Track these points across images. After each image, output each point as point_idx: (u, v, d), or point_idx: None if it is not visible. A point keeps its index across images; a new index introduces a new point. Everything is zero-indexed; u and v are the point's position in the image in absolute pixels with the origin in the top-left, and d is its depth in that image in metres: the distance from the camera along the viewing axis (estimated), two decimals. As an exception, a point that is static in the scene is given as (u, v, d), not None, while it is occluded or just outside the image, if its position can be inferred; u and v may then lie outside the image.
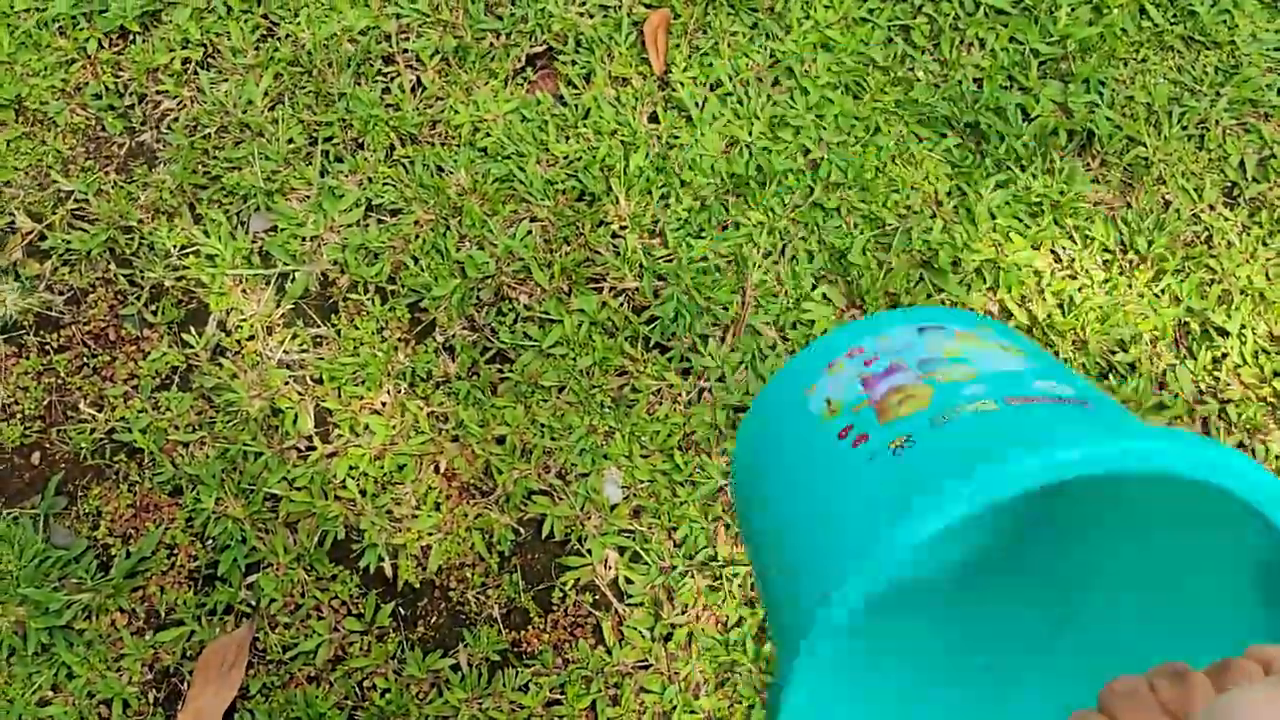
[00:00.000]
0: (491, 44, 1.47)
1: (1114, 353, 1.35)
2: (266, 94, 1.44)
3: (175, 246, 1.38)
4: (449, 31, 1.47)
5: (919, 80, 1.45)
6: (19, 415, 1.31)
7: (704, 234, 1.39)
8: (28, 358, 1.33)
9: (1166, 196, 1.42)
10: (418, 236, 1.39)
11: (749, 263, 1.37)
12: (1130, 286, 1.38)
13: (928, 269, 1.38)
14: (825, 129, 1.43)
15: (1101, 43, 1.46)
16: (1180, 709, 0.44)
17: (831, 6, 1.48)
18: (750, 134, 1.43)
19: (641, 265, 1.37)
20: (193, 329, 1.35)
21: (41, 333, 1.34)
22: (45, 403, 1.32)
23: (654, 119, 1.45)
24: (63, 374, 1.33)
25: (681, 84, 1.45)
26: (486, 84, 1.45)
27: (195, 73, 1.45)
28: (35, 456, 1.31)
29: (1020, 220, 1.39)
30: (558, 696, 1.24)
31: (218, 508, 1.28)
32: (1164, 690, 0.45)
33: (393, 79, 1.46)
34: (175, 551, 1.27)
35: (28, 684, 1.22)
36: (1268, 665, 0.45)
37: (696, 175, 1.41)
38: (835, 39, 1.46)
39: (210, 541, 1.28)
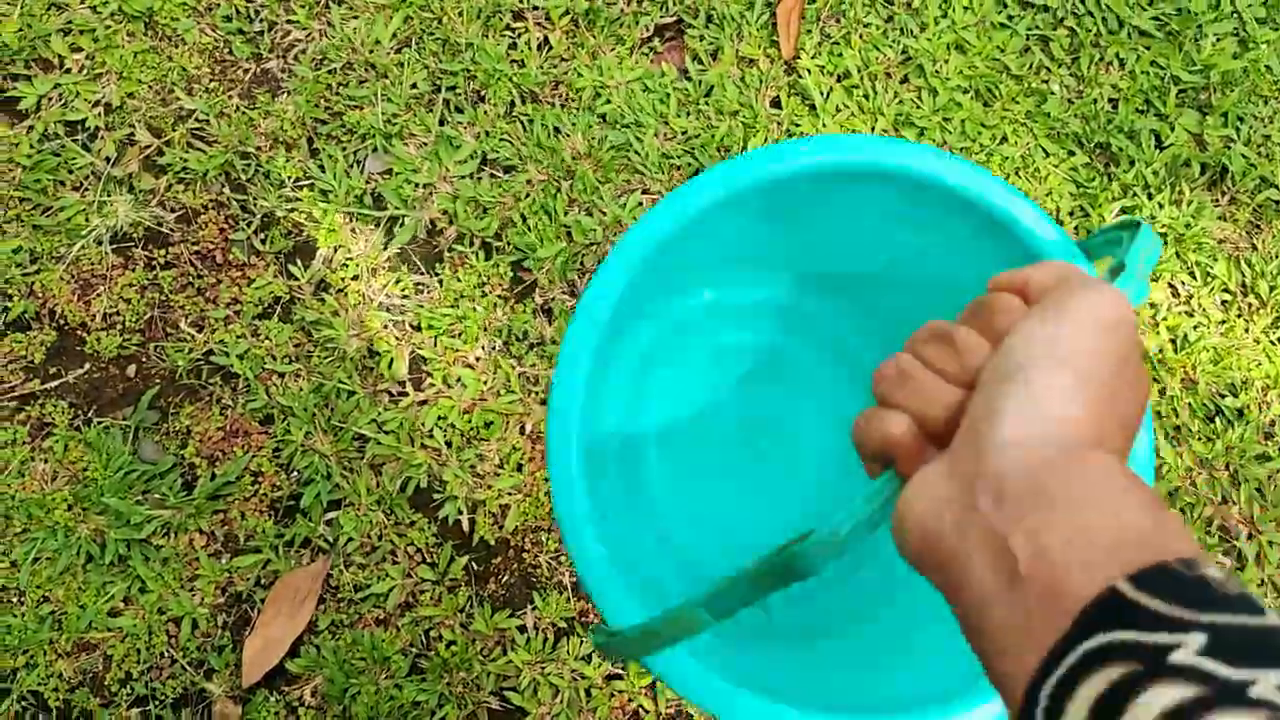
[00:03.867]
0: (622, 10, 1.45)
1: (1223, 396, 1.31)
2: (395, 36, 1.43)
3: (290, 178, 1.38)
4: (581, -7, 1.45)
5: (1053, 93, 1.42)
6: (119, 326, 1.32)
7: (816, 226, 1.37)
8: (134, 270, 1.34)
9: (1295, 242, 1.38)
10: (528, 195, 1.38)
11: (859, 260, 1.34)
12: (1247, 331, 1.34)
13: (1041, 287, 1.34)
14: (950, 133, 1.40)
15: (1245, 77, 1.42)
16: (956, 364, 0.42)
17: (970, 8, 1.45)
18: (873, 130, 1.41)
19: (750, 250, 1.35)
20: (299, 261, 1.36)
21: (150, 247, 1.35)
22: (146, 317, 1.33)
23: (776, 104, 1.43)
24: (167, 290, 1.34)
25: (809, 71, 1.42)
26: (613, 50, 1.44)
27: (327, 6, 1.45)
28: (131, 369, 1.31)
29: (1142, 248, 1.36)
30: (619, 670, 1.23)
31: (306, 441, 1.28)
32: (933, 355, 0.43)
33: (520, 35, 1.45)
34: (260, 480, 1.28)
35: (101, 593, 1.23)
36: (1021, 290, 0.43)
37: (815, 165, 1.38)
38: (971, 41, 1.43)
39: (295, 474, 1.28)
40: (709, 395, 0.97)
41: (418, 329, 1.33)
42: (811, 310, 0.98)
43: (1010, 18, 1.45)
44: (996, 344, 0.41)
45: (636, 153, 1.39)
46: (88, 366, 1.31)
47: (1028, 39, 1.44)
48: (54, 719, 1.20)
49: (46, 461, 1.26)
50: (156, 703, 1.21)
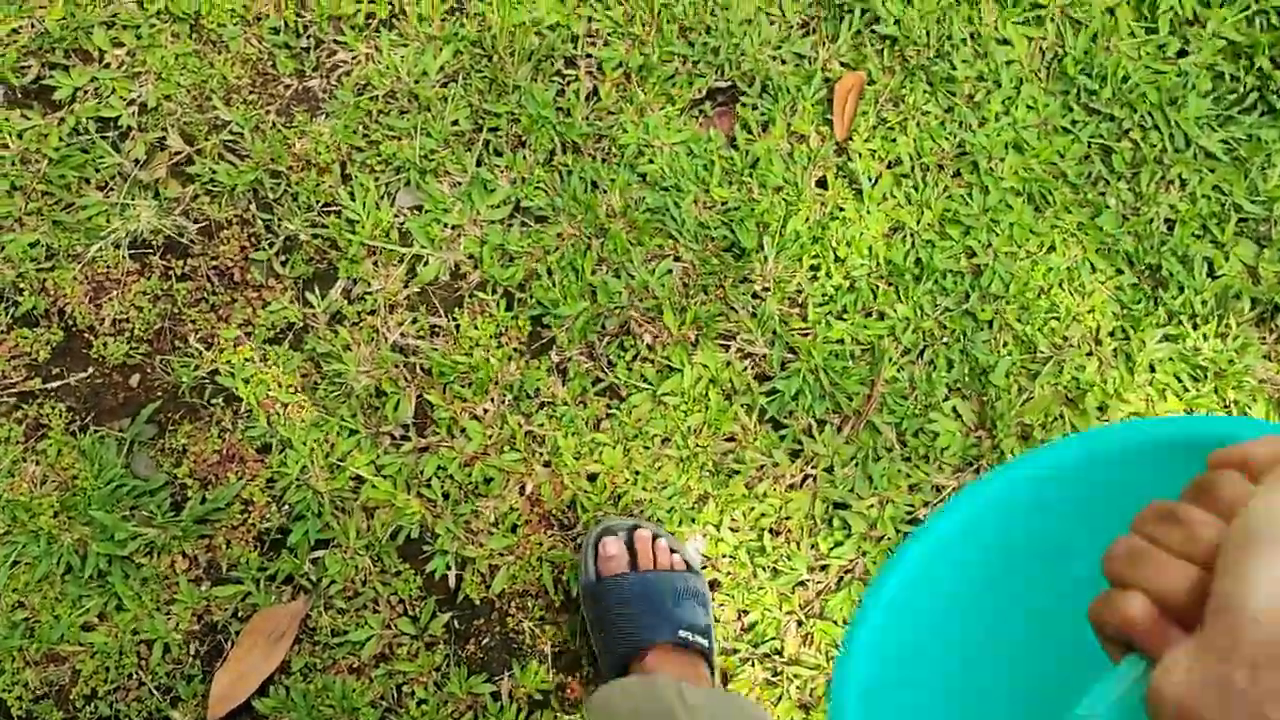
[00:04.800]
0: (677, 69, 1.42)
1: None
2: (442, 69, 1.40)
3: (319, 203, 1.35)
4: (637, 46, 1.42)
5: (1108, 207, 1.37)
6: (127, 334, 1.30)
7: (846, 316, 1.33)
8: (149, 278, 1.32)
9: (1340, 392, 1.33)
10: (557, 249, 1.35)
11: (885, 357, 1.31)
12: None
13: (1070, 408, 1.31)
14: (997, 235, 1.36)
15: (1309, 213, 1.37)
16: (1188, 540, 0.41)
17: (1034, 108, 1.41)
18: (918, 223, 1.37)
19: (775, 333, 1.32)
20: (318, 289, 1.33)
21: (168, 256, 1.33)
22: (156, 328, 1.31)
23: (823, 184, 1.39)
24: (180, 303, 1.31)
25: (860, 154, 1.39)
26: (661, 109, 1.40)
27: (378, 30, 1.42)
28: (134, 379, 1.29)
29: (1180, 380, 1.32)
30: (590, 751, 1.20)
31: (301, 476, 1.26)
32: (1163, 534, 0.43)
33: (569, 82, 1.41)
34: (250, 509, 1.25)
35: (77, 605, 1.21)
36: (1243, 465, 0.42)
37: (852, 254, 1.35)
38: (1030, 142, 1.39)
39: (286, 508, 1.26)
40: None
41: (428, 373, 1.30)
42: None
43: (1074, 123, 1.40)
44: (1227, 519, 0.40)
45: (673, 218, 1.35)
46: (91, 371, 1.29)
47: (1089, 147, 1.40)
48: (12, 731, 1.18)
49: (39, 464, 1.24)
50: (117, 728, 1.19)
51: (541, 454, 1.29)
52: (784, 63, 1.43)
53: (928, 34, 1.42)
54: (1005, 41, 1.42)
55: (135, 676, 1.20)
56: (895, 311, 1.33)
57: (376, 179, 1.37)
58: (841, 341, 1.32)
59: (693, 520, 1.27)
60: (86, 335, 1.30)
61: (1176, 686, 0.37)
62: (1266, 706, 0.34)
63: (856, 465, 1.28)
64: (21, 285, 1.29)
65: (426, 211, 1.36)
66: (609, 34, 1.44)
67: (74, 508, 1.22)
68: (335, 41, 1.42)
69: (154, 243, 1.33)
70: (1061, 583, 0.89)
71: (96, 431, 1.26)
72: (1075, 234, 1.37)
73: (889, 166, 1.39)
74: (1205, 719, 0.36)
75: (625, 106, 1.40)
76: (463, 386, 1.30)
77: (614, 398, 1.31)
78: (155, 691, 1.20)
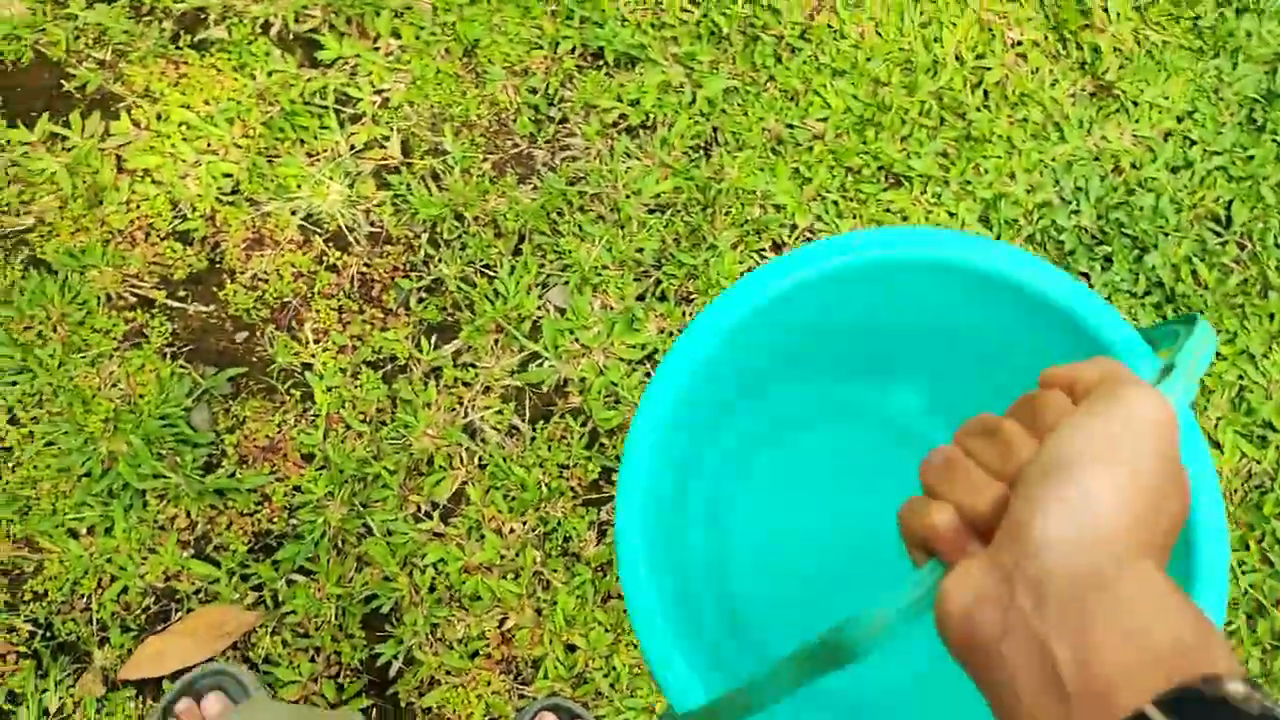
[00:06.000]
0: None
1: None
2: (657, 197, 1.39)
3: (479, 260, 1.36)
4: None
5: None
6: (259, 293, 1.34)
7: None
8: (303, 253, 1.36)
9: None
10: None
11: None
12: None
13: None
14: None
15: None
16: (1001, 458, 0.43)
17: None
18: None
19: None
20: (434, 339, 1.33)
21: (330, 244, 1.36)
22: (284, 300, 1.34)
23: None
24: (316, 289, 1.34)
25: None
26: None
27: (620, 134, 1.41)
28: (241, 335, 1.33)
29: None
30: None
31: (323, 500, 1.27)
32: (980, 449, 0.44)
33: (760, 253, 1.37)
34: (264, 505, 1.27)
35: (74, 509, 1.25)
36: (1070, 387, 0.44)
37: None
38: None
39: (294, 523, 1.27)
40: (785, 490, 0.98)
41: (482, 467, 1.29)
42: (877, 401, 0.98)
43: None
44: (1042, 439, 0.41)
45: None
46: (211, 309, 1.34)
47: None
48: (-33, 585, 1.24)
49: (119, 367, 1.30)
50: (46, 634, 1.23)
51: (538, 599, 1.25)
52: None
53: None
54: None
55: (85, 600, 1.24)
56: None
57: (542, 266, 1.36)
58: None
59: (637, 745, 1.21)
60: (224, 276, 1.35)
61: (964, 595, 0.39)
62: (1051, 640, 0.35)
63: None
64: (196, 206, 1.35)
65: (567, 319, 1.34)
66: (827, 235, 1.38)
67: (123, 423, 1.27)
68: (578, 125, 1.42)
69: (326, 226, 1.37)
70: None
71: (183, 366, 1.30)
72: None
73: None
74: (984, 632, 0.37)
75: (800, 320, 1.34)
76: (504, 498, 1.28)
77: (633, 587, 1.26)
78: (90, 624, 1.23)
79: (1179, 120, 1.46)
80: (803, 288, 0.74)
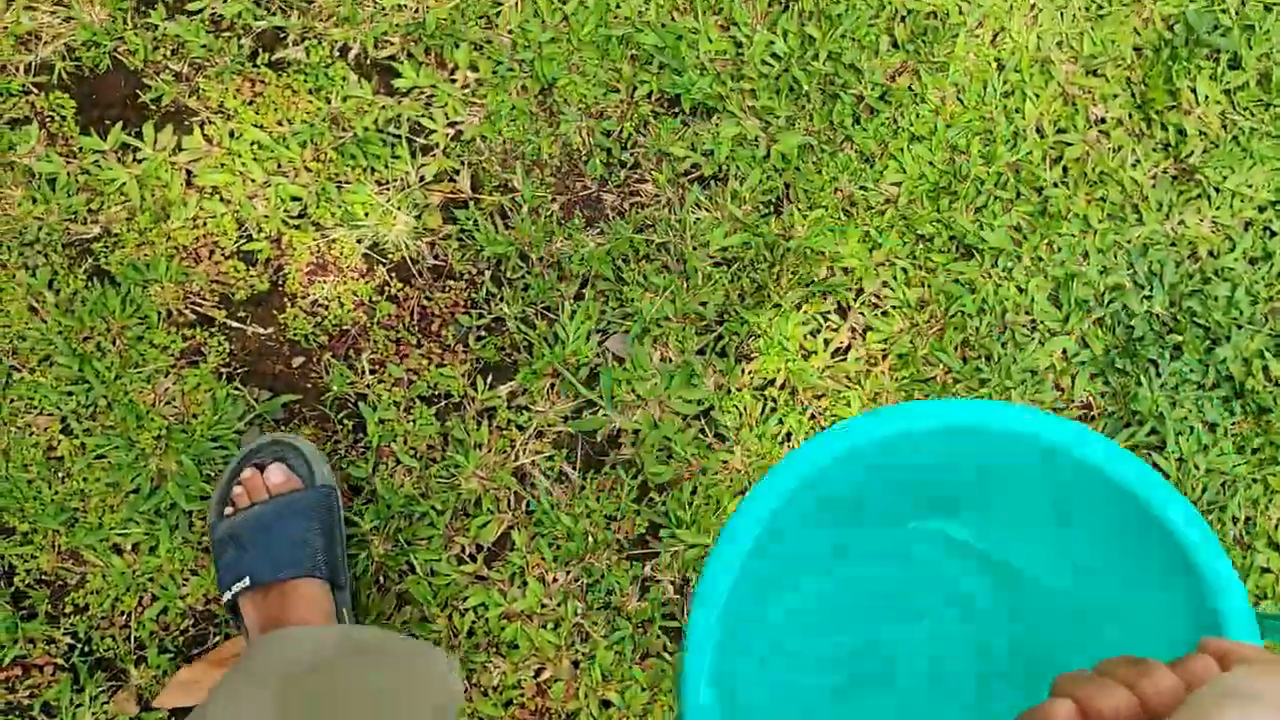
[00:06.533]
0: (939, 375, 1.33)
1: None
2: (725, 249, 1.37)
3: (540, 302, 1.35)
4: (911, 335, 1.34)
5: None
6: (318, 319, 1.33)
7: None
8: (365, 282, 1.35)
9: None
10: (716, 471, 1.29)
11: None
12: None
13: None
14: None
15: None
16: (1143, 686, 0.43)
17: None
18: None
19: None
20: (489, 379, 1.32)
21: (392, 274, 1.36)
22: (343, 328, 1.33)
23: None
24: (375, 319, 1.34)
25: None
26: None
27: (691, 184, 1.40)
28: (298, 361, 1.33)
29: None
30: None
31: (369, 534, 1.26)
32: (1121, 671, 0.44)
33: (823, 329, 1.35)
34: (307, 535, 1.26)
35: (120, 525, 1.25)
36: (1223, 658, 0.44)
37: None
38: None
39: (335, 554, 1.26)
40: (823, 619, 1.03)
41: (529, 513, 1.28)
42: (924, 554, 1.03)
43: None
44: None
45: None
46: (270, 331, 1.33)
47: None
48: (5, 593, 1.23)
49: (175, 384, 1.29)
50: (84, 649, 1.22)
51: (576, 651, 1.24)
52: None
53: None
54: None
55: (125, 617, 1.23)
56: None
57: (603, 312, 1.35)
58: None
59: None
60: (285, 299, 1.34)
61: None
62: None
63: None
64: (263, 226, 1.35)
65: (625, 369, 1.33)
66: (892, 305, 1.37)
67: (175, 441, 1.26)
68: (650, 172, 1.40)
69: (390, 256, 1.36)
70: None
71: (237, 388, 1.30)
72: None
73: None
74: None
75: (858, 386, 1.33)
76: (549, 545, 1.27)
77: (675, 638, 1.24)
78: (131, 641, 1.23)
79: (1260, 210, 1.43)
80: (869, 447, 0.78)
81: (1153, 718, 0.42)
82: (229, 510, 1.20)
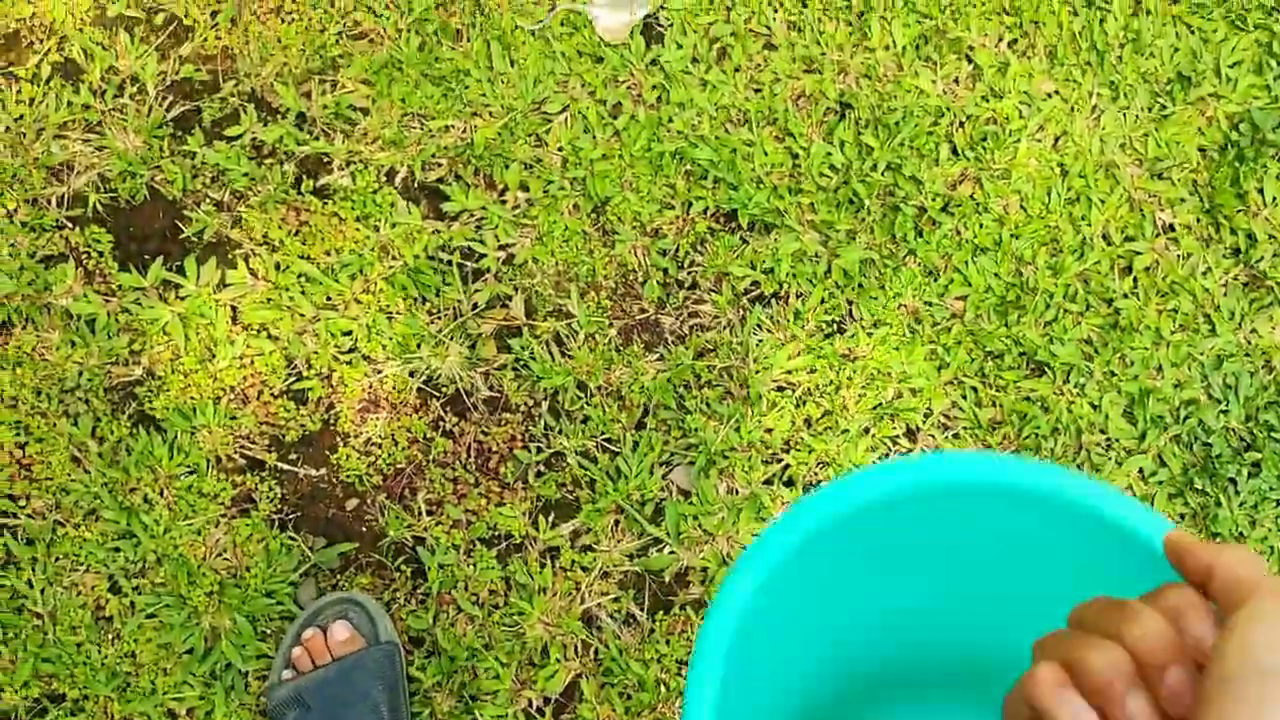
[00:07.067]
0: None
1: None
2: (789, 372, 1.33)
3: (602, 434, 1.30)
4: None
5: None
6: (372, 459, 1.29)
7: None
8: (419, 417, 1.30)
9: None
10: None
11: None
12: None
13: None
14: None
15: None
16: (1129, 634, 0.40)
17: None
18: None
19: None
20: (550, 518, 1.28)
21: (447, 408, 1.31)
22: (398, 467, 1.29)
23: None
24: (430, 457, 1.29)
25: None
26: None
27: (751, 304, 1.36)
28: (352, 503, 1.28)
29: None
30: None
31: (432, 690, 1.21)
32: (1103, 621, 0.42)
33: (890, 453, 1.30)
34: (369, 693, 1.21)
35: (174, 689, 1.20)
36: (1207, 577, 0.41)
37: None
38: None
39: (399, 713, 1.20)
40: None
41: (598, 660, 1.23)
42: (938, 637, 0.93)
43: None
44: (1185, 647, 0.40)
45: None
46: (323, 473, 1.28)
47: None
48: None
49: (226, 535, 1.24)
50: (140, 823, 1.17)
51: (653, 813, 1.19)
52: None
53: None
54: None
55: (183, 787, 1.18)
56: None
57: (666, 443, 1.30)
58: None
59: None
60: (337, 439, 1.29)
61: None
62: None
63: None
64: (313, 363, 1.30)
65: (690, 503, 1.28)
66: (963, 426, 1.32)
67: (228, 597, 1.21)
68: (710, 292, 1.36)
69: (442, 388, 1.31)
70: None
71: (291, 537, 1.25)
72: None
73: None
74: None
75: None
76: (620, 695, 1.22)
77: None
78: (190, 814, 1.17)
79: (1335, 317, 1.39)
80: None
81: (1145, 664, 0.40)
82: (288, 674, 1.15)
